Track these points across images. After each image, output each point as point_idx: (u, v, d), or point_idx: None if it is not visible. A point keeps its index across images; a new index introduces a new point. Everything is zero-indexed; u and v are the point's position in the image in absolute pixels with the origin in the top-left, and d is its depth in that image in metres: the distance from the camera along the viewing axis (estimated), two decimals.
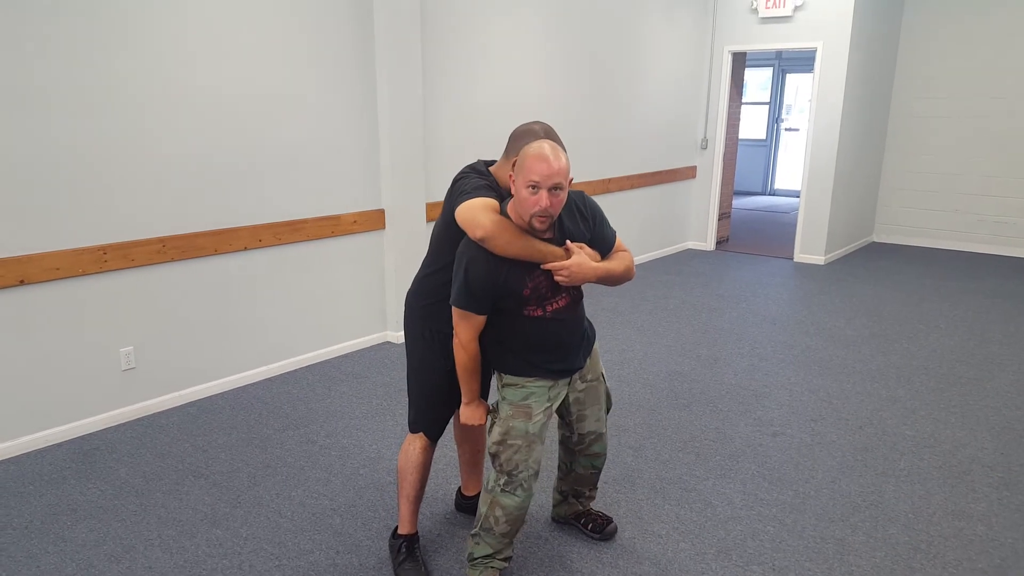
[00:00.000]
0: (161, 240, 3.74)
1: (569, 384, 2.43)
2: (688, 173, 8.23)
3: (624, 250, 2.40)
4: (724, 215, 8.59)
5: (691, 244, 8.57)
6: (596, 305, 5.98)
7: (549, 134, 2.29)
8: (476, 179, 2.28)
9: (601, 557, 2.68)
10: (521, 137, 2.28)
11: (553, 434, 3.21)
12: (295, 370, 4.49)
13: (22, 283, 3.30)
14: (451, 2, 5.04)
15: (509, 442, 2.29)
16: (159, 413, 3.86)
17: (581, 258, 2.19)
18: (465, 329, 2.24)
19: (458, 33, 5.15)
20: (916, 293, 6.48)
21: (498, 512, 2.33)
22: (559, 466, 2.76)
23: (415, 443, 2.54)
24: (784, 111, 12.83)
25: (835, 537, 2.82)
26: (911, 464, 3.41)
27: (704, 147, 8.26)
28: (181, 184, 3.79)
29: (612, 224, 2.42)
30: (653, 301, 6.18)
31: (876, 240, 8.96)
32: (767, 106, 12.80)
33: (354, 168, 4.61)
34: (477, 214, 2.12)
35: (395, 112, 4.65)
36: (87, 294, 3.54)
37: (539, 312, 2.24)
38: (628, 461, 3.40)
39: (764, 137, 12.93)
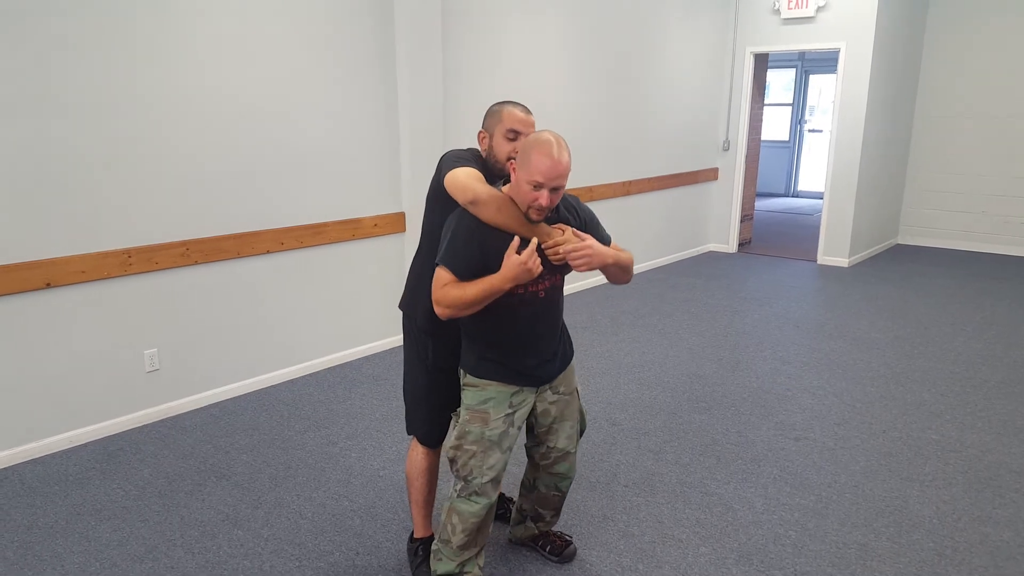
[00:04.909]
0: (184, 243, 3.79)
1: (537, 393, 2.33)
2: (710, 175, 8.18)
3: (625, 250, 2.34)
4: (746, 217, 8.52)
5: (713, 246, 8.51)
6: (617, 308, 5.96)
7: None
8: (460, 152, 2.32)
9: (621, 561, 2.66)
10: (494, 115, 2.30)
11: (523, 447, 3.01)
12: (316, 372, 4.52)
13: (48, 286, 3.36)
14: (472, 7, 5.06)
15: (465, 447, 2.23)
16: (182, 415, 3.90)
17: (593, 240, 2.14)
18: (444, 294, 2.08)
19: (479, 37, 5.16)
20: (941, 296, 6.39)
21: (454, 519, 2.26)
22: (523, 482, 2.64)
23: (417, 448, 2.54)
24: (807, 112, 12.71)
25: (858, 542, 2.78)
26: (936, 469, 3.36)
27: (726, 149, 8.21)
28: (204, 188, 3.83)
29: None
30: (674, 304, 6.15)
31: (901, 242, 8.84)
32: (790, 107, 12.69)
33: (375, 171, 4.64)
34: (466, 181, 2.13)
35: (416, 115, 4.67)
36: (112, 297, 3.59)
37: (520, 290, 2.16)
38: (648, 465, 3.38)
39: (787, 138, 12.82)
